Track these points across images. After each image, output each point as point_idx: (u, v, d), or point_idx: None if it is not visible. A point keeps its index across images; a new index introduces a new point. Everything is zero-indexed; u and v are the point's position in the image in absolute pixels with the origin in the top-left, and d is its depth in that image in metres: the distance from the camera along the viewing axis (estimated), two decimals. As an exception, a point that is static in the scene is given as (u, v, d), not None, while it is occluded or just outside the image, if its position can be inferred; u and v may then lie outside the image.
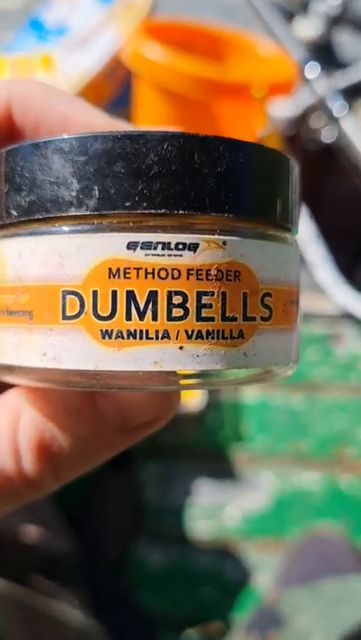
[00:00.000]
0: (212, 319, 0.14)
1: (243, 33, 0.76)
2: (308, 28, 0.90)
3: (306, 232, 0.67)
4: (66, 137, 0.14)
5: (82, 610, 0.46)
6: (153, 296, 0.14)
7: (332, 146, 0.56)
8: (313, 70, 0.56)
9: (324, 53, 0.93)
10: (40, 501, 0.60)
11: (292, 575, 0.60)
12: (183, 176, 0.14)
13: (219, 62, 0.76)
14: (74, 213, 0.14)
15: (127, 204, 0.14)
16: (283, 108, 0.63)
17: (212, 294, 0.14)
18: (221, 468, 0.69)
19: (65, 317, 0.14)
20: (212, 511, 0.68)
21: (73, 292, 0.14)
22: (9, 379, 0.17)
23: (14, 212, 0.15)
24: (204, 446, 0.70)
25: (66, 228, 0.14)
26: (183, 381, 0.15)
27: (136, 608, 0.63)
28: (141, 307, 0.14)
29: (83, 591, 0.55)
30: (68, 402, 0.17)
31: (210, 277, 0.14)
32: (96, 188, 0.14)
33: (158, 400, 0.18)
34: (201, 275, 0.14)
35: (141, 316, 0.14)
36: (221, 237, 0.14)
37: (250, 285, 0.15)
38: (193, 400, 0.68)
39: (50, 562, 0.52)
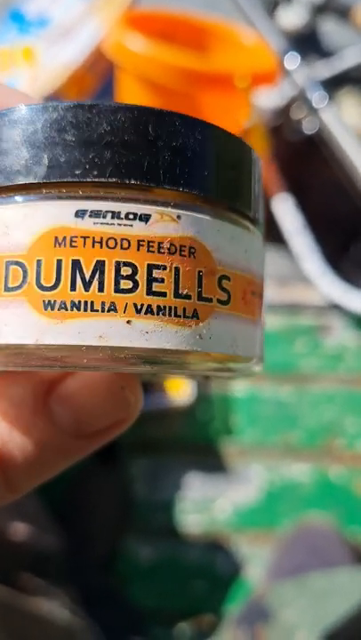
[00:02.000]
0: (164, 294, 0.14)
1: (226, 23, 0.76)
2: (293, 17, 0.89)
3: (292, 223, 0.67)
4: (17, 107, 0.14)
5: (70, 607, 0.46)
6: (100, 266, 0.13)
7: (313, 137, 0.56)
8: (293, 61, 0.56)
9: (309, 42, 0.92)
10: (27, 499, 0.60)
11: (282, 567, 0.59)
12: (137, 147, 0.14)
13: (202, 52, 0.76)
14: (22, 182, 0.14)
15: (77, 172, 0.13)
16: (267, 99, 0.63)
17: (165, 268, 0.14)
18: (211, 462, 0.69)
19: (7, 289, 0.14)
20: (203, 505, 0.67)
21: (16, 262, 0.14)
22: None
23: None
24: (194, 440, 0.70)
25: (14, 198, 0.14)
26: (132, 363, 0.14)
27: (126, 604, 0.63)
28: (87, 277, 0.13)
29: (72, 588, 0.55)
30: (19, 405, 0.16)
31: (162, 250, 0.14)
32: (45, 156, 0.14)
33: (115, 402, 0.16)
34: (153, 247, 0.13)
35: (87, 286, 0.13)
36: (175, 211, 0.14)
37: (205, 264, 0.14)
38: (182, 394, 0.68)
39: (38, 559, 0.51)
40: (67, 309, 0.13)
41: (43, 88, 0.71)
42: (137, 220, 0.13)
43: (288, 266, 0.72)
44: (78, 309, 0.13)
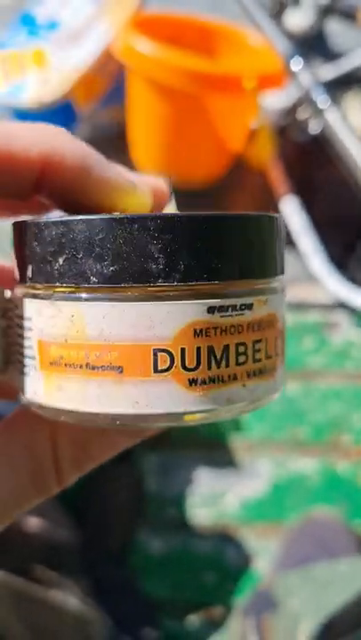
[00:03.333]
0: (260, 360, 0.18)
1: (233, 24, 0.77)
2: (300, 18, 0.90)
3: (298, 223, 0.68)
4: (151, 215, 0.17)
5: (83, 598, 0.47)
6: (226, 348, 0.17)
7: (319, 137, 0.57)
8: (298, 63, 0.57)
9: (316, 44, 0.93)
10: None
11: (289, 559, 0.61)
12: (242, 248, 0.18)
13: (210, 54, 0.77)
14: (160, 284, 0.17)
15: (205, 276, 0.17)
16: (274, 100, 0.64)
17: (261, 341, 0.18)
18: (220, 457, 0.71)
19: (156, 371, 0.17)
20: (212, 499, 0.69)
21: (164, 350, 0.17)
22: (90, 424, 0.18)
23: (94, 279, 0.17)
24: (203, 435, 0.71)
25: (154, 296, 0.17)
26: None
27: (138, 595, 0.64)
28: (218, 357, 0.17)
29: (85, 580, 0.56)
30: None
31: (260, 328, 0.18)
32: (182, 262, 0.17)
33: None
34: (254, 327, 0.18)
35: (218, 364, 0.17)
36: (265, 296, 0.18)
37: (279, 329, 0.19)
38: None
39: (52, 551, 0.53)
40: (206, 384, 0.17)
41: (53, 91, 0.72)
42: (246, 310, 0.18)
43: (295, 265, 0.73)
44: (214, 382, 0.17)
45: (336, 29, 0.92)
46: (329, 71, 0.74)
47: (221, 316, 0.17)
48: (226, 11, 0.77)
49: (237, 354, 0.17)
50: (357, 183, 0.55)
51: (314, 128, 0.57)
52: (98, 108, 0.80)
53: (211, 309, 0.17)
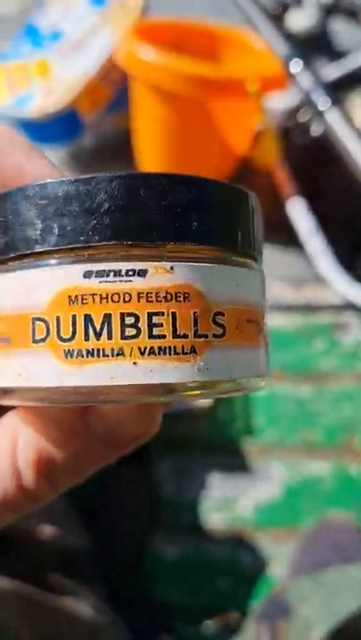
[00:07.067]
0: (164, 336, 0.16)
1: (235, 28, 0.77)
2: (303, 19, 0.90)
3: (306, 225, 0.68)
4: (30, 185, 0.16)
5: (96, 605, 0.47)
6: (107, 318, 0.16)
7: (322, 139, 0.57)
8: (297, 65, 0.57)
9: (320, 44, 0.93)
10: (55, 501, 0.62)
11: (304, 563, 0.60)
12: (130, 210, 0.16)
13: (213, 59, 0.77)
14: (38, 250, 0.16)
15: (81, 239, 0.16)
16: (277, 102, 0.64)
17: (163, 314, 0.16)
18: (233, 461, 0.70)
19: (35, 341, 0.16)
20: (226, 503, 0.69)
21: (40, 319, 0.16)
22: None
23: None
24: (216, 440, 0.71)
25: (32, 263, 0.16)
26: (141, 397, 0.16)
27: (153, 601, 0.64)
28: (97, 328, 0.16)
29: (100, 586, 0.56)
30: (60, 421, 0.19)
31: (159, 299, 0.16)
32: (55, 226, 0.16)
33: (141, 419, 0.19)
34: (151, 297, 0.16)
35: (98, 336, 0.16)
36: (168, 263, 0.16)
37: (200, 306, 0.16)
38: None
39: (65, 559, 0.53)
40: (83, 357, 0.16)
41: (57, 101, 0.73)
42: (136, 276, 0.16)
43: (305, 267, 0.73)
44: (92, 356, 0.16)
45: (339, 29, 0.92)
46: (333, 70, 0.74)
47: (100, 282, 0.16)
48: (228, 15, 0.77)
49: (124, 325, 0.16)
50: (359, 182, 0.54)
51: (316, 130, 0.57)
52: (103, 115, 0.80)
53: (87, 274, 0.16)
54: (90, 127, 0.81)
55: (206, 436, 0.71)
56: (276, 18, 0.90)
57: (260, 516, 0.68)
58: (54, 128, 0.78)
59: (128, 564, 0.66)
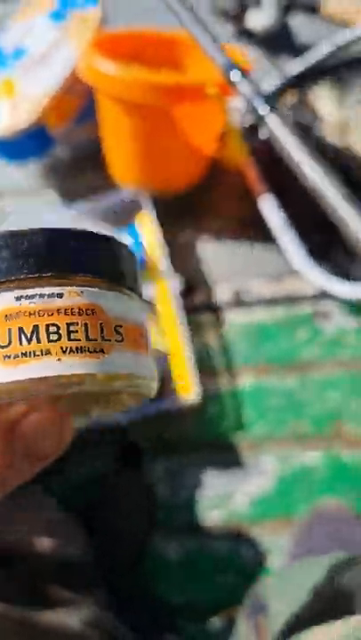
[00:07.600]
0: (79, 339, 0.21)
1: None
2: (263, 18, 0.91)
3: (276, 221, 0.69)
4: None
5: (93, 616, 0.48)
6: (36, 328, 0.21)
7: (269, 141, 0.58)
8: (236, 75, 0.59)
9: (281, 40, 0.94)
10: (50, 509, 0.63)
11: (300, 552, 0.62)
12: (49, 253, 0.22)
13: (175, 66, 0.78)
14: None
15: (14, 273, 0.21)
16: (236, 104, 0.65)
17: (77, 324, 0.21)
18: (225, 457, 0.71)
19: None
20: (221, 500, 0.70)
21: None
22: None
23: None
24: (207, 437, 0.72)
25: None
26: (65, 387, 0.21)
27: (157, 602, 0.65)
28: (28, 336, 0.21)
29: (101, 592, 0.57)
30: None
31: (74, 313, 0.21)
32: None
33: (55, 433, 0.24)
34: (68, 312, 0.21)
35: (29, 341, 0.21)
36: (79, 288, 0.22)
37: (103, 318, 0.22)
38: (189, 392, 0.70)
39: (64, 569, 0.54)
40: (18, 357, 0.21)
41: (25, 118, 0.74)
42: (55, 297, 0.21)
43: (282, 261, 0.74)
44: (26, 356, 0.21)
45: (299, 24, 0.93)
46: (296, 65, 0.75)
47: (30, 303, 0.21)
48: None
49: (48, 332, 0.21)
50: (305, 182, 0.56)
51: (263, 133, 0.58)
52: (74, 126, 0.81)
53: (18, 298, 0.21)
54: (60, 140, 0.82)
55: (197, 435, 0.73)
56: (236, 18, 0.91)
57: (256, 509, 0.69)
58: (25, 144, 0.79)
59: (128, 564, 0.67)
